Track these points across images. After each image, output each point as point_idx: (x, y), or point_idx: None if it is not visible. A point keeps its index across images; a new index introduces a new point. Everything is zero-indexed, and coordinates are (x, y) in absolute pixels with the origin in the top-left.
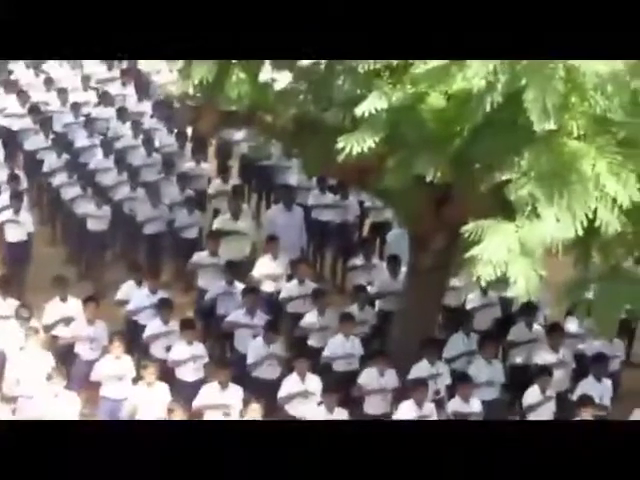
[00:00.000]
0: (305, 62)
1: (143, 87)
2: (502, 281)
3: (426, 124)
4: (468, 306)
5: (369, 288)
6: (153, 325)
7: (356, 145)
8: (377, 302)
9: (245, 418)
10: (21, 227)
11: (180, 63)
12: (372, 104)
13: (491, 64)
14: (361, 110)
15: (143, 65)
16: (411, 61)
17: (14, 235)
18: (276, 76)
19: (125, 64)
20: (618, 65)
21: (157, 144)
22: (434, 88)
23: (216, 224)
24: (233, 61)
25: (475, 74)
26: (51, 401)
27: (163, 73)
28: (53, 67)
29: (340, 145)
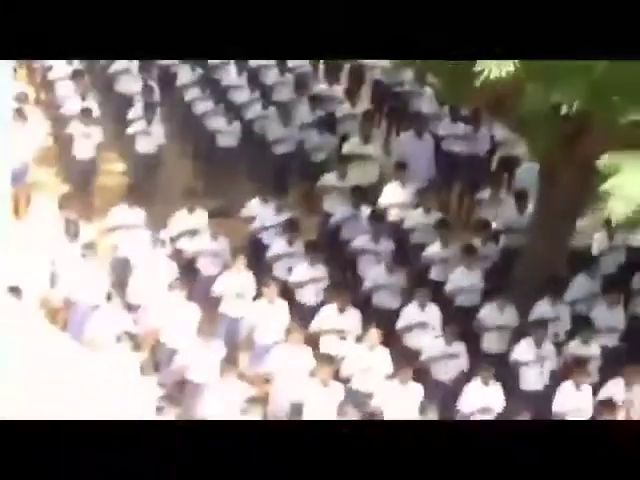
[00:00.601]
0: None
1: None
2: (632, 222)
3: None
4: (594, 248)
5: (494, 223)
6: (277, 245)
7: (495, 68)
8: (501, 237)
9: (363, 343)
10: (152, 138)
11: None
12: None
13: None
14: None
15: None
16: None
17: (145, 146)
18: None
19: None
20: None
21: (290, 64)
22: None
23: (345, 148)
24: None
25: None
26: (171, 313)
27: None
28: None
29: (478, 68)
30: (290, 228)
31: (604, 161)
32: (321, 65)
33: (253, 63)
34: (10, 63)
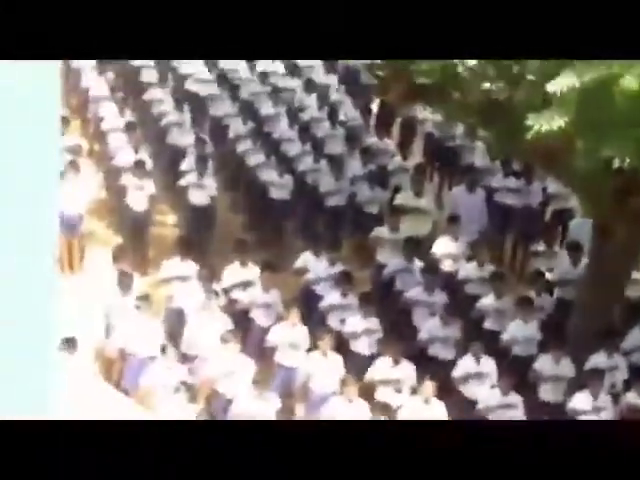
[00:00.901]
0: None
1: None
2: None
3: (618, 106)
4: None
5: (548, 275)
6: (331, 296)
7: (545, 124)
8: (556, 289)
9: (418, 395)
10: (205, 191)
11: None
12: (564, 82)
13: None
14: (553, 88)
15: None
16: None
17: (198, 198)
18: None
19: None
20: None
21: (342, 117)
22: (628, 70)
23: (398, 200)
24: None
25: None
26: (226, 364)
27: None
28: None
29: (529, 123)
30: (343, 280)
31: None
32: (372, 119)
33: (305, 116)
34: (59, 111)
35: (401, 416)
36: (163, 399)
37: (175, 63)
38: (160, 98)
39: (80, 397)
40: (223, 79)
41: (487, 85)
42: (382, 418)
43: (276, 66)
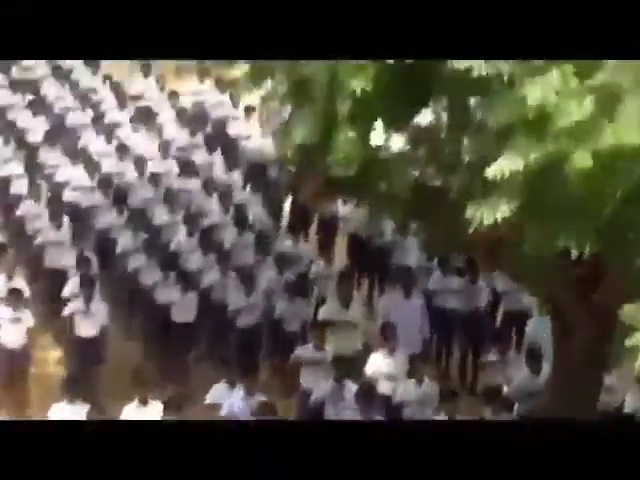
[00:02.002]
0: (422, 120)
1: (231, 153)
2: None
3: (571, 188)
4: (627, 409)
5: (505, 388)
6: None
7: (488, 214)
8: (515, 404)
9: None
10: (93, 319)
11: (277, 123)
12: (506, 165)
13: None
14: (493, 172)
15: (231, 128)
16: (550, 112)
17: (85, 328)
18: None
19: (209, 128)
20: None
21: (250, 220)
22: (580, 145)
23: (322, 314)
24: (339, 118)
25: (627, 126)
26: None
27: (254, 137)
28: (127, 133)
29: (469, 214)
30: (263, 412)
31: (628, 310)
32: (285, 220)
33: (206, 222)
34: None
35: None
36: None
37: (49, 170)
38: (35, 212)
39: None
40: (106, 184)
41: (416, 172)
42: None
43: (169, 164)
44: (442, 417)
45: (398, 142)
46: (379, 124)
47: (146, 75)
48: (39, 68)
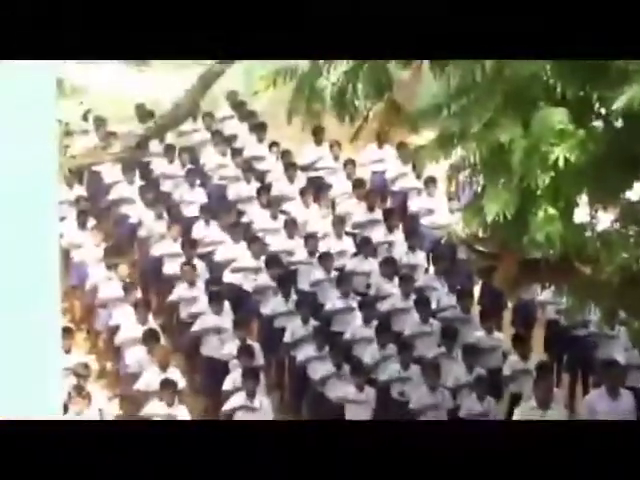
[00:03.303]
0: (634, 196)
1: (415, 232)
2: None
3: None
4: None
5: None
6: None
7: None
8: None
9: None
10: (257, 416)
11: (468, 197)
12: None
13: None
14: None
15: (413, 204)
16: None
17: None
18: (596, 214)
19: (389, 202)
20: None
21: (435, 307)
22: None
23: (517, 415)
24: (539, 191)
25: None
26: None
27: (441, 213)
28: (296, 207)
29: None
30: None
31: None
32: (476, 306)
33: (385, 307)
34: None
35: None
36: None
37: (207, 248)
38: (192, 295)
39: None
40: (275, 265)
41: (626, 254)
42: None
43: (344, 243)
44: None
45: (606, 220)
46: (584, 199)
47: (319, 141)
48: (197, 133)
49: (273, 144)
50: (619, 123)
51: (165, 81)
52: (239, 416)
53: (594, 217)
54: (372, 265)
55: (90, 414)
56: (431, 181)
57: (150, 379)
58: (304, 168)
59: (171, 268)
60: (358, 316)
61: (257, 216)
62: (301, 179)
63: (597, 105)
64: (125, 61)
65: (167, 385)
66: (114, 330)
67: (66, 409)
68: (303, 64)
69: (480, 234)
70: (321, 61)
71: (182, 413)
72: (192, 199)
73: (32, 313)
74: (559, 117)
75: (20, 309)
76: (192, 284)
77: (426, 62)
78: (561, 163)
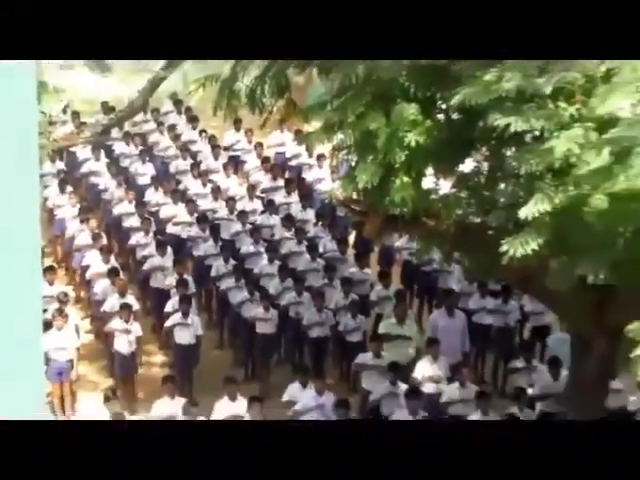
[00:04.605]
0: (466, 169)
1: (306, 195)
2: None
3: (589, 226)
4: (630, 408)
5: (530, 390)
6: None
7: (520, 248)
8: (538, 404)
9: None
10: (190, 330)
11: (344, 170)
12: (535, 207)
13: None
14: (525, 213)
15: (306, 175)
16: (573, 162)
17: (183, 337)
18: (438, 182)
19: (288, 173)
20: None
21: (321, 250)
22: (597, 189)
23: (381, 328)
24: (397, 165)
25: (639, 173)
26: None
27: (326, 181)
28: (219, 177)
29: (504, 248)
30: (338, 410)
31: (633, 327)
32: (351, 249)
33: (284, 251)
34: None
35: None
36: None
37: (155, 208)
38: (144, 242)
39: None
40: (204, 220)
41: (460, 212)
42: None
43: (255, 204)
44: (478, 414)
45: (445, 186)
46: (430, 171)
47: (237, 129)
48: (147, 124)
49: (202, 131)
50: (455, 115)
51: (123, 84)
52: (177, 331)
53: (437, 184)
54: (275, 220)
55: (69, 330)
56: (319, 158)
57: (113, 303)
58: (226, 148)
59: (128, 222)
60: (265, 257)
61: (191, 184)
62: (224, 157)
63: (439, 102)
64: (93, 68)
65: (125, 308)
66: (85, 268)
67: (50, 326)
68: (226, 71)
69: (354, 197)
70: (238, 67)
71: (135, 328)
72: (144, 172)
73: (17, 255)
74: (412, 110)
75: (8, 253)
76: (147, 233)
77: (315, 69)
78: (413, 144)
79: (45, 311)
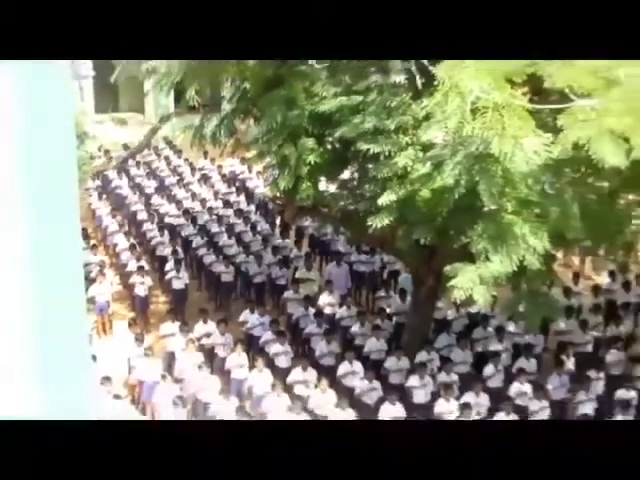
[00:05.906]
0: (344, 176)
1: (249, 195)
2: (468, 301)
3: (420, 209)
4: (448, 317)
5: (388, 309)
6: (265, 335)
7: (379, 222)
8: (394, 317)
9: (318, 388)
10: (181, 280)
11: (271, 179)
12: (387, 197)
13: (457, 169)
14: (381, 201)
15: (249, 183)
16: (409, 170)
17: (177, 285)
18: (328, 186)
19: (237, 183)
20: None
21: (258, 229)
22: (423, 186)
23: (297, 275)
24: (302, 176)
25: (447, 176)
26: (201, 381)
27: (260, 187)
28: (195, 186)
29: (370, 223)
30: (273, 325)
31: (448, 269)
32: (277, 228)
33: (237, 229)
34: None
35: (310, 403)
36: (165, 407)
37: (157, 207)
38: (150, 228)
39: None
40: (186, 214)
41: (342, 202)
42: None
43: (218, 203)
44: (358, 324)
45: (332, 188)
46: (323, 179)
47: (205, 157)
48: (150, 156)
49: (185, 160)
50: (337, 144)
51: (135, 131)
52: (173, 281)
53: (327, 187)
54: (230, 212)
55: (106, 283)
56: (257, 173)
57: (132, 266)
58: (199, 169)
59: (140, 216)
60: (225, 235)
61: (178, 192)
62: (198, 174)
63: (327, 137)
64: (116, 122)
65: (140, 268)
66: (115, 245)
67: (94, 280)
68: (196, 122)
69: (278, 195)
70: (204, 120)
71: (147, 280)
72: (149, 185)
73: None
74: (310, 142)
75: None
76: (152, 222)
77: (252, 120)
78: (312, 163)
79: (90, 272)
